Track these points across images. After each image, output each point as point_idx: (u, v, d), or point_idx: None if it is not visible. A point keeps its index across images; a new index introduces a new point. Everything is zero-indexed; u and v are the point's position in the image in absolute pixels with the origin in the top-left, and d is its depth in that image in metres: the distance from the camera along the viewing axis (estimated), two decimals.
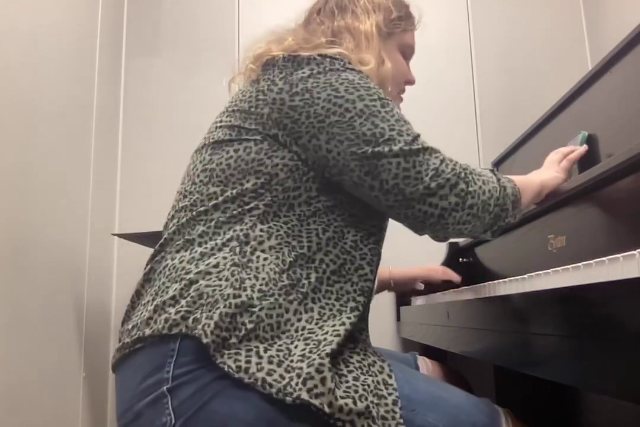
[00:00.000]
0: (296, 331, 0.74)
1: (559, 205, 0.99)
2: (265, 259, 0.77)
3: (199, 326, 0.71)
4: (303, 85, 0.81)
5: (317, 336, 0.74)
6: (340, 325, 0.76)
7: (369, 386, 0.72)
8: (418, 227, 0.81)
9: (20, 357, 1.03)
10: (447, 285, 1.34)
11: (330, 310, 0.78)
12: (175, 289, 0.75)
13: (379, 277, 1.32)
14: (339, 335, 0.74)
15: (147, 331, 0.74)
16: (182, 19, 1.95)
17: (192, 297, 0.74)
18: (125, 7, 1.96)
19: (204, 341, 0.69)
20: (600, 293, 0.46)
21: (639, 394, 0.41)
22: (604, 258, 0.50)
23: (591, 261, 0.52)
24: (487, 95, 1.95)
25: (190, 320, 0.72)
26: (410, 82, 1.08)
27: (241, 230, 0.79)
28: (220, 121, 0.88)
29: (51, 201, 1.20)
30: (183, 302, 0.74)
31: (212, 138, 0.87)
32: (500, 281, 0.81)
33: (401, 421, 0.70)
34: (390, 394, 0.73)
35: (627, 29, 1.06)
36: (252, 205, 0.80)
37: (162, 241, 0.85)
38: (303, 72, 0.83)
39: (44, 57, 1.21)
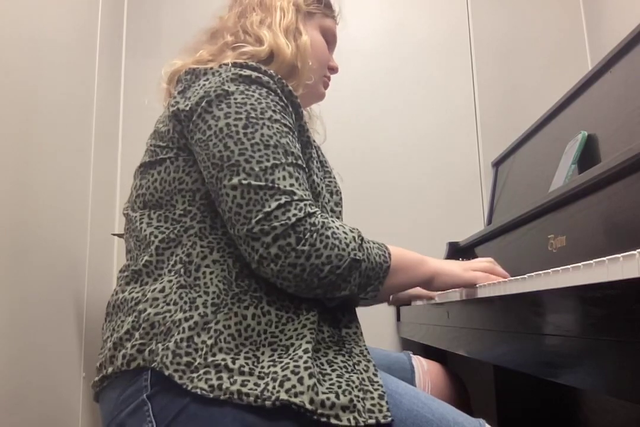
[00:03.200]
0: (258, 335, 0.73)
1: (559, 205, 0.99)
2: (211, 273, 0.76)
3: (157, 358, 0.70)
4: (194, 97, 0.80)
5: (281, 341, 0.73)
6: (302, 328, 0.75)
7: (353, 382, 0.71)
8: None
9: (20, 357, 1.03)
10: None
11: (287, 312, 0.76)
12: (129, 322, 0.75)
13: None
14: (304, 336, 0.73)
15: (110, 370, 0.74)
16: (182, 20, 1.95)
17: (144, 328, 0.73)
18: (125, 7, 1.96)
19: (166, 373, 0.69)
20: (600, 293, 0.46)
21: (639, 394, 0.41)
22: (604, 258, 0.50)
23: (591, 261, 0.52)
24: (487, 95, 1.95)
25: (147, 352, 0.72)
26: (333, 68, 1.05)
27: (182, 252, 0.78)
28: (147, 144, 0.88)
29: (51, 201, 1.20)
30: (137, 334, 0.73)
31: (141, 161, 0.88)
32: (501, 280, 0.81)
33: (388, 413, 0.69)
34: (376, 390, 0.72)
35: (627, 29, 1.06)
36: (186, 225, 0.79)
37: (124, 264, 0.86)
38: (198, 84, 0.82)
39: (44, 57, 1.21)
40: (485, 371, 1.68)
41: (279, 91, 0.82)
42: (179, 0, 2.00)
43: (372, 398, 0.71)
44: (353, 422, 0.67)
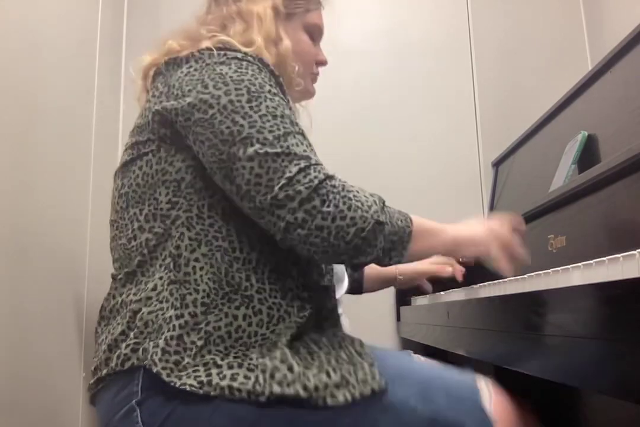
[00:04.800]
0: (249, 337, 0.73)
1: (559, 205, 0.99)
2: (201, 268, 0.75)
3: (148, 356, 0.70)
4: (178, 84, 0.79)
5: (271, 340, 0.74)
6: (296, 322, 0.76)
7: (341, 357, 0.72)
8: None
9: (20, 357, 1.03)
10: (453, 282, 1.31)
11: (278, 310, 0.76)
12: (123, 323, 0.75)
13: (385, 271, 1.30)
14: (292, 329, 0.75)
15: (105, 371, 0.74)
16: (182, 20, 1.95)
17: (138, 327, 0.73)
18: (125, 7, 1.96)
19: (154, 370, 0.68)
20: (600, 293, 0.46)
21: (639, 394, 0.41)
22: (604, 258, 0.50)
23: (591, 261, 0.52)
24: (487, 95, 1.95)
25: (140, 351, 0.71)
26: (322, 62, 1.04)
27: (171, 244, 0.77)
28: (126, 144, 0.87)
29: (51, 201, 1.20)
30: (131, 334, 0.73)
31: (121, 162, 0.86)
32: (500, 280, 0.81)
33: (381, 381, 0.70)
34: (365, 360, 0.73)
35: (627, 29, 1.06)
36: (172, 217, 0.78)
37: (113, 272, 0.85)
38: (181, 71, 0.81)
39: (44, 57, 1.21)
40: (485, 371, 1.68)
41: (265, 69, 0.81)
42: (179, 0, 2.00)
43: (363, 368, 0.71)
44: (349, 397, 0.67)
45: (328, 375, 0.68)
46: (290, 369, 0.68)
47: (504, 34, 2.00)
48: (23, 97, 1.09)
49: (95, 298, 1.46)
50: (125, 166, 0.85)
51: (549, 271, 0.61)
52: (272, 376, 0.67)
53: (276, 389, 0.66)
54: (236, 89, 0.76)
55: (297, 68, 0.94)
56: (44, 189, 1.16)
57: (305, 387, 0.67)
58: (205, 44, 0.84)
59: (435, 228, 0.83)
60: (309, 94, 1.05)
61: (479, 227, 0.85)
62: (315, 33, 1.01)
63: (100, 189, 1.57)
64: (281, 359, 0.69)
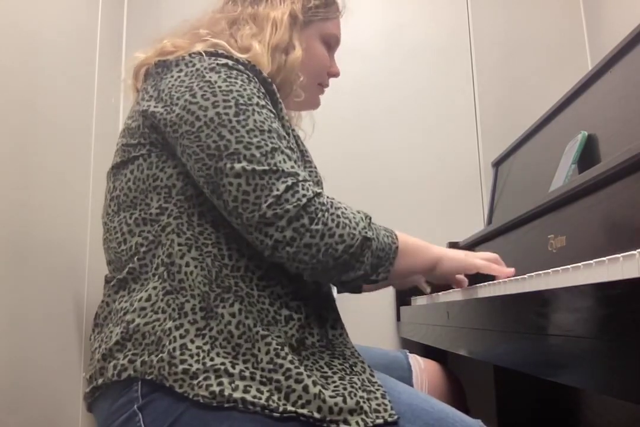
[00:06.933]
0: (249, 329, 0.72)
1: (559, 205, 0.99)
2: (191, 273, 0.75)
3: (154, 371, 0.69)
4: (168, 90, 0.78)
5: (272, 338, 0.72)
6: (285, 333, 0.74)
7: (355, 383, 0.71)
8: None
9: (20, 357, 1.03)
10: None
11: (267, 315, 0.75)
12: (117, 333, 0.74)
13: None
14: (292, 345, 0.73)
15: (100, 381, 0.74)
16: (182, 19, 1.95)
17: (136, 339, 0.72)
18: (125, 7, 1.96)
19: (167, 384, 0.68)
20: (600, 293, 0.46)
21: (639, 394, 0.41)
22: (604, 258, 0.50)
23: (591, 261, 0.52)
24: (487, 95, 1.95)
25: (138, 363, 0.71)
26: (334, 74, 1.02)
27: (163, 253, 0.76)
28: (117, 144, 0.86)
29: (51, 201, 1.20)
30: (129, 345, 0.73)
31: (113, 163, 0.86)
32: (500, 281, 0.81)
33: (393, 412, 0.69)
34: (377, 389, 0.72)
35: (627, 29, 1.06)
36: (163, 223, 0.78)
37: (107, 275, 0.85)
38: (171, 76, 0.80)
39: (44, 57, 1.21)
40: (485, 371, 1.68)
41: (255, 78, 0.80)
42: (179, 0, 2.00)
43: (376, 398, 0.71)
44: (362, 425, 0.67)
45: (344, 400, 0.68)
46: (306, 389, 0.67)
47: (504, 34, 2.00)
48: (23, 97, 1.09)
49: (95, 298, 1.46)
50: (116, 168, 0.84)
51: (549, 271, 0.61)
52: (287, 398, 0.67)
53: (290, 408, 0.66)
54: (224, 101, 0.75)
55: (301, 79, 0.92)
56: (43, 188, 1.16)
57: (319, 409, 0.66)
58: (198, 47, 0.83)
59: (420, 245, 0.85)
60: (312, 105, 1.04)
61: (461, 251, 0.90)
62: (331, 43, 1.00)
63: (101, 189, 1.57)
64: (296, 379, 0.68)
